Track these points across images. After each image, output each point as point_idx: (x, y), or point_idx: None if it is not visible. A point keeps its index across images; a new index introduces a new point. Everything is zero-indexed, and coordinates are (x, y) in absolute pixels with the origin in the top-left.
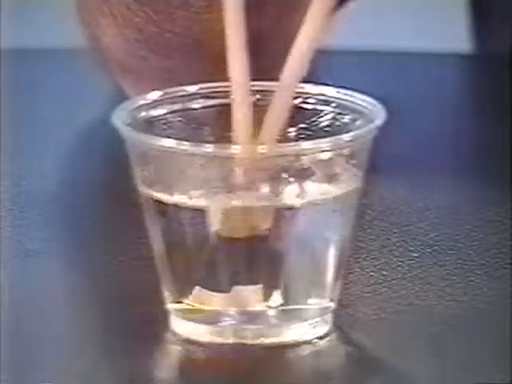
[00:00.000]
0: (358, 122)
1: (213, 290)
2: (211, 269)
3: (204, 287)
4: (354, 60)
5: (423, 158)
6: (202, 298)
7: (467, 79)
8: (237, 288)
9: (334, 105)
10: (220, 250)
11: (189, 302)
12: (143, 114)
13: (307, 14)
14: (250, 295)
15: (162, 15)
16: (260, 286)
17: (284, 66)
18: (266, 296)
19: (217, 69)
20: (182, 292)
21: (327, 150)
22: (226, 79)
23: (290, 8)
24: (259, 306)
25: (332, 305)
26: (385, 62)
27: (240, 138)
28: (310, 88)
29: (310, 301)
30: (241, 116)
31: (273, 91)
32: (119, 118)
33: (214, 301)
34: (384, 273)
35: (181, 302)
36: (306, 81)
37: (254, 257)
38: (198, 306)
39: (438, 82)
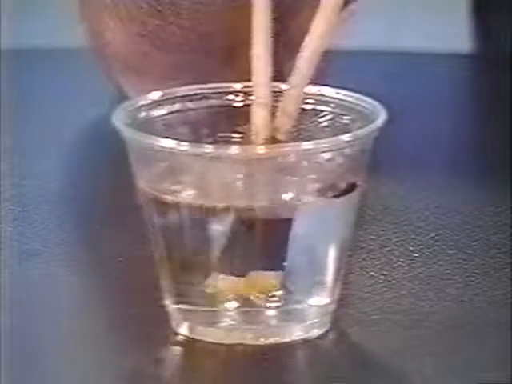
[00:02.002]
0: (358, 123)
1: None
2: (226, 255)
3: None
4: (353, 60)
5: (423, 158)
6: (220, 283)
7: (467, 79)
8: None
9: (333, 105)
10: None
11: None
12: (143, 114)
13: (316, 15)
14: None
15: (166, 6)
16: (279, 272)
17: (288, 68)
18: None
19: (223, 65)
20: (181, 292)
21: (327, 151)
22: (232, 76)
23: (292, 12)
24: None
25: (332, 305)
26: (384, 62)
27: (258, 136)
28: (309, 88)
29: (310, 301)
30: (260, 114)
31: (279, 92)
32: (119, 119)
33: (232, 285)
34: (384, 273)
35: (181, 302)
36: (315, 82)
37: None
38: (214, 291)
39: (438, 82)
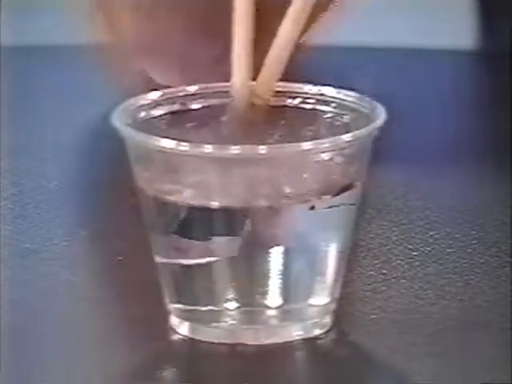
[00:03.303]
0: (358, 122)
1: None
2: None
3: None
4: (359, 57)
5: (423, 156)
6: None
7: (470, 76)
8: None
9: (334, 105)
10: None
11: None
12: (143, 114)
13: (288, 10)
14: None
15: None
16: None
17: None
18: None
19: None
20: (181, 291)
21: (327, 151)
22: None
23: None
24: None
25: (332, 304)
26: (386, 59)
27: (237, 99)
28: (309, 88)
29: (310, 301)
30: (239, 75)
31: None
32: (119, 118)
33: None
34: (383, 272)
35: (181, 302)
36: (288, 78)
37: None
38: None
39: (440, 79)
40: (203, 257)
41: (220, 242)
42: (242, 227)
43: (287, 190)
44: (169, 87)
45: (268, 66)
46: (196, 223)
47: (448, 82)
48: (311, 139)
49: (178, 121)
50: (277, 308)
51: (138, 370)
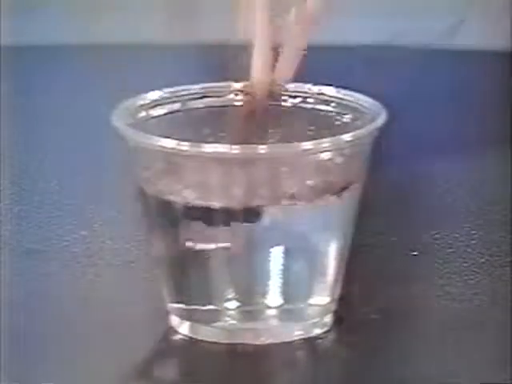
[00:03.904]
0: (358, 122)
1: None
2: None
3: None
4: (390, 55)
5: (424, 156)
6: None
7: (504, 77)
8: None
9: (334, 104)
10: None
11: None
12: (143, 113)
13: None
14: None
15: None
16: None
17: None
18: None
19: None
20: (181, 291)
21: (327, 150)
22: None
23: None
24: None
25: (332, 304)
26: (421, 59)
27: (257, 85)
28: (309, 87)
29: (310, 300)
30: (259, 63)
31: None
32: (119, 118)
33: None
34: (384, 271)
35: (181, 302)
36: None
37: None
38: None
39: (473, 80)
40: (209, 242)
41: (224, 229)
42: (242, 227)
43: (287, 190)
44: None
45: (287, 51)
46: (196, 222)
47: (483, 83)
48: (311, 139)
49: (179, 121)
50: (277, 308)
51: (138, 370)
